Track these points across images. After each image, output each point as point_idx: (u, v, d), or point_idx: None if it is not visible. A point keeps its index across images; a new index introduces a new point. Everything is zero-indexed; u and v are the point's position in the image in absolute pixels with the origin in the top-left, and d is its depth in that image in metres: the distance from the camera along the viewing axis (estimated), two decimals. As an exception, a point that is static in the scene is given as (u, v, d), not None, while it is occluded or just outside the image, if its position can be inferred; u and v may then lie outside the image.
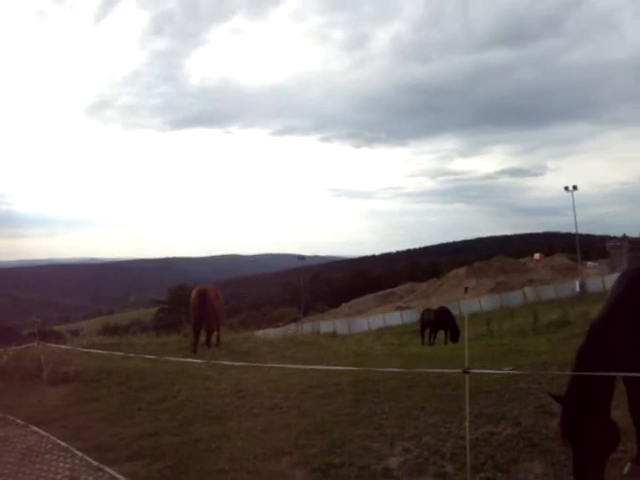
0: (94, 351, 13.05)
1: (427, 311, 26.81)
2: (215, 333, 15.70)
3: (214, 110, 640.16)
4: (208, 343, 15.25)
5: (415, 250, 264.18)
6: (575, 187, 67.76)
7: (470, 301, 64.67)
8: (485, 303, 62.02)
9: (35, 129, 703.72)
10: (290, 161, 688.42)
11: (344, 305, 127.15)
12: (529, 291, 65.96)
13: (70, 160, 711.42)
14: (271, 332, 43.43)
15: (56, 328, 63.09)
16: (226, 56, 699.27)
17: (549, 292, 62.47)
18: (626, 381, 5.37)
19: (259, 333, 33.76)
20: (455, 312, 27.69)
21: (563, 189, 71.18)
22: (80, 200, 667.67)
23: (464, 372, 5.45)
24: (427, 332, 25.50)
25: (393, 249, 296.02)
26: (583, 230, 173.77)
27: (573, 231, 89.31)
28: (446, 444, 6.54)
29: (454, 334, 23.50)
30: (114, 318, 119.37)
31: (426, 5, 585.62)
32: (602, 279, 55.60)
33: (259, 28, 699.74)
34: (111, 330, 53.13)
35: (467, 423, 5.62)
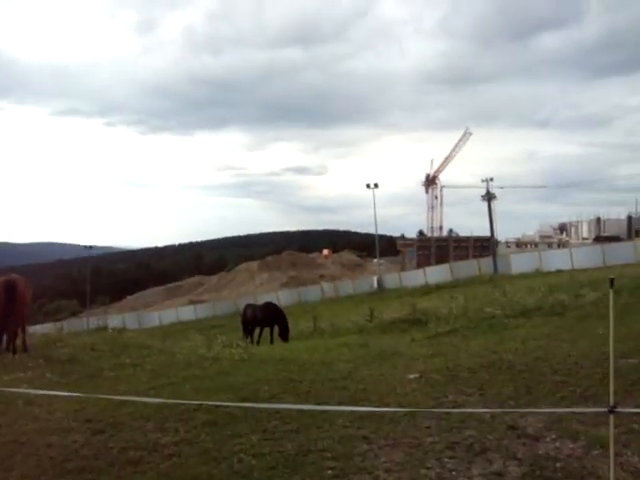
0: None
1: (250, 307, 24.59)
2: (21, 335, 12.20)
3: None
4: (13, 349, 11.68)
5: (199, 243, 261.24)
6: (377, 185, 65.47)
7: (266, 295, 63.93)
8: (282, 298, 61.15)
9: None
10: (71, 144, 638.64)
11: (129, 298, 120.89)
12: (327, 286, 66.61)
13: None
14: (51, 327, 38.64)
15: None
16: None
17: (347, 288, 62.84)
18: None
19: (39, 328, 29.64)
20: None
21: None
22: None
23: (609, 412, 3.46)
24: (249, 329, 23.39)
25: (176, 241, 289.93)
26: (364, 229, 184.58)
27: (353, 229, 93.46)
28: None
29: (284, 332, 21.67)
30: None
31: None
32: (399, 275, 57.83)
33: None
34: None
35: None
